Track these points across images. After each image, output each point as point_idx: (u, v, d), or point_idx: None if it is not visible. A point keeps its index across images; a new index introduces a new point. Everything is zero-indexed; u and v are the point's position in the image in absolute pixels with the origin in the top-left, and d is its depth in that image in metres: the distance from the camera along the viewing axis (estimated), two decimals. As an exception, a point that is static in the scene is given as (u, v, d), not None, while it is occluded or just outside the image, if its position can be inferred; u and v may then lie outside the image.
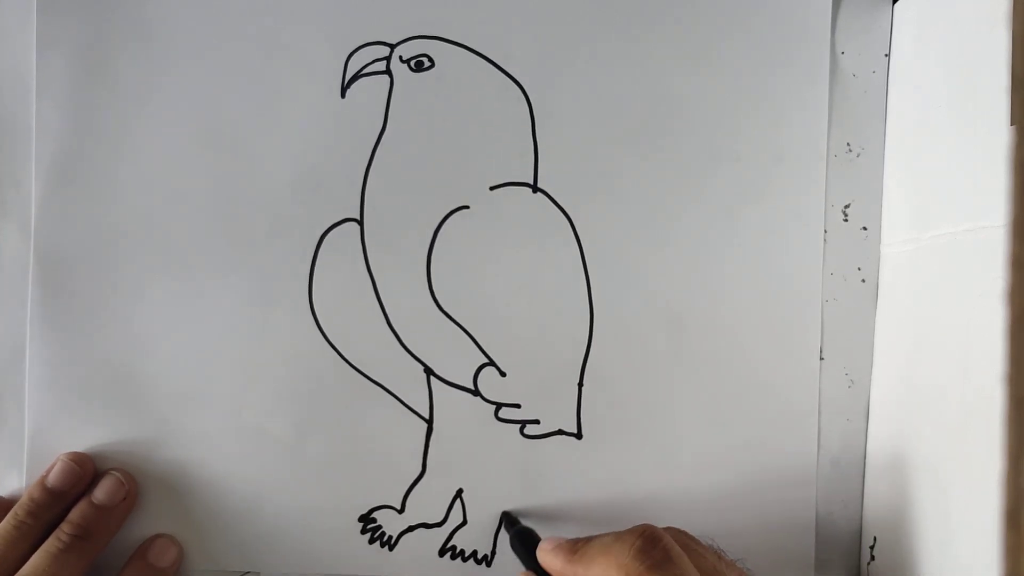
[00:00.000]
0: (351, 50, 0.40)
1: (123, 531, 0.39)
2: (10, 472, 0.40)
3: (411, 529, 0.40)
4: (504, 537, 0.39)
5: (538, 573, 0.35)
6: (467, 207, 0.40)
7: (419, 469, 0.40)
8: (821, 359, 0.39)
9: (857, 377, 0.39)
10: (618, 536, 0.31)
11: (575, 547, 0.33)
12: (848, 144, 0.39)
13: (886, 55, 0.39)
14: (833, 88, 0.39)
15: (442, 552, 0.40)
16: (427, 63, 0.40)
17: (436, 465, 0.40)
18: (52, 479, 0.38)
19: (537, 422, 0.39)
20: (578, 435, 0.39)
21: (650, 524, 0.32)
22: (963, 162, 0.32)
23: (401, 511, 0.40)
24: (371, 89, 0.40)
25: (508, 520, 0.39)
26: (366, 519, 0.40)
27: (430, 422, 0.40)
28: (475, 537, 0.40)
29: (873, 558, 0.38)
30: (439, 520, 0.40)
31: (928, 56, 0.36)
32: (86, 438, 0.40)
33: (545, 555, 0.34)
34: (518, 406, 0.39)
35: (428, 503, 0.40)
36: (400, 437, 0.40)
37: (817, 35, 0.39)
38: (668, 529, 0.33)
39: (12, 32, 0.40)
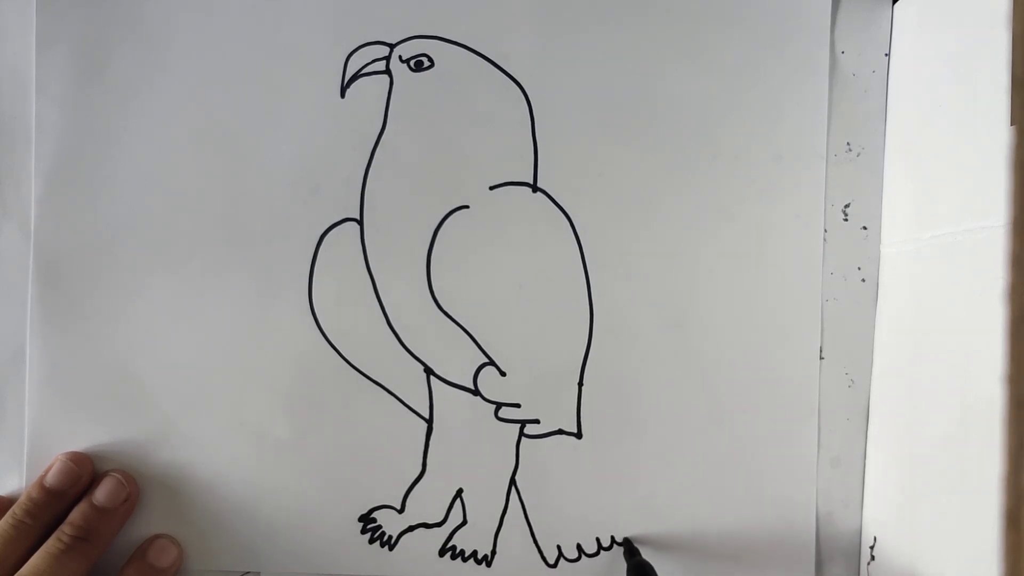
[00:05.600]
0: (351, 50, 0.40)
1: (123, 531, 0.39)
2: (10, 472, 0.40)
3: (411, 529, 0.40)
4: (506, 537, 0.39)
5: None
6: (467, 207, 0.39)
7: (419, 469, 0.40)
8: (821, 359, 0.39)
9: (857, 377, 0.39)
10: None
11: None
12: (848, 144, 0.39)
13: (886, 55, 0.39)
14: (833, 88, 0.39)
15: (442, 552, 0.40)
16: (427, 63, 0.40)
17: (436, 465, 0.40)
18: (50, 479, 0.38)
19: (537, 422, 0.39)
20: (578, 435, 0.39)
21: None
22: (963, 162, 0.32)
23: (401, 511, 0.40)
24: (371, 89, 0.40)
25: (629, 549, 0.38)
26: (366, 519, 0.40)
27: (430, 422, 0.40)
28: (475, 537, 0.40)
29: (873, 558, 0.38)
30: (439, 520, 0.40)
31: (928, 56, 0.36)
32: (86, 438, 0.40)
33: None
34: (518, 406, 0.39)
35: (428, 503, 0.40)
36: (400, 437, 0.40)
37: (817, 34, 0.39)
38: None
39: (12, 31, 0.40)
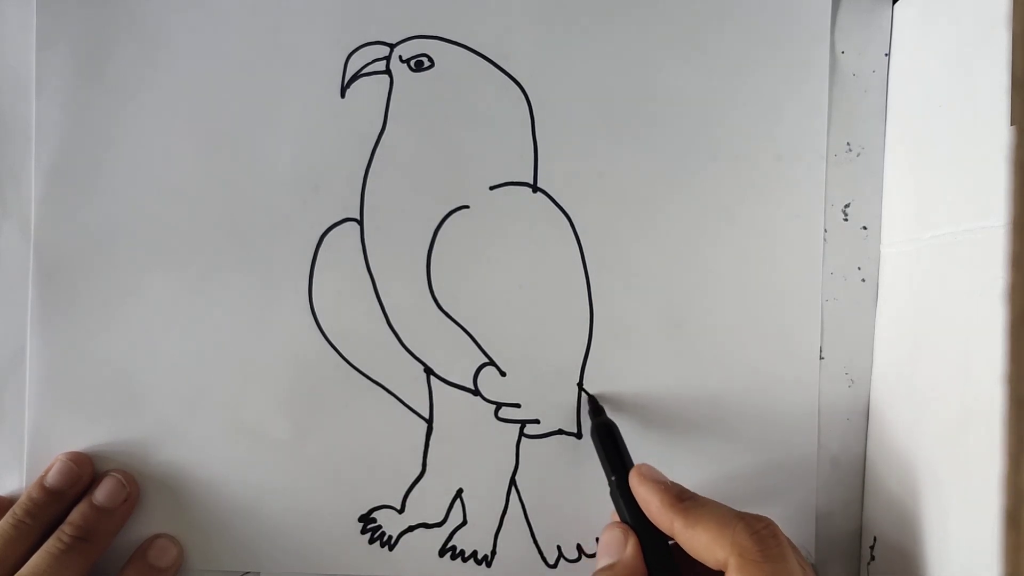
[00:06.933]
0: (351, 50, 0.40)
1: (123, 531, 0.39)
2: (10, 472, 0.40)
3: (411, 529, 0.40)
4: (506, 537, 0.39)
5: (619, 486, 0.34)
6: (467, 207, 0.39)
7: (419, 469, 0.40)
8: (821, 359, 0.39)
9: (857, 377, 0.39)
10: (739, 515, 0.31)
11: (682, 495, 0.32)
12: (848, 144, 0.39)
13: (886, 55, 0.39)
14: (833, 87, 0.39)
15: (442, 552, 0.40)
16: (427, 63, 0.40)
17: (436, 465, 0.40)
18: (50, 479, 0.38)
19: (537, 422, 0.39)
20: (578, 435, 0.39)
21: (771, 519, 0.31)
22: (963, 162, 0.32)
23: (401, 511, 0.40)
24: (371, 89, 0.40)
25: (594, 406, 0.38)
26: (366, 519, 0.40)
27: (430, 422, 0.40)
28: (475, 537, 0.40)
29: (873, 558, 0.38)
30: (439, 520, 0.40)
31: (928, 56, 0.36)
32: (86, 438, 0.40)
33: (642, 486, 0.33)
34: (518, 406, 0.39)
35: (428, 503, 0.40)
36: (400, 437, 0.40)
37: (817, 34, 0.39)
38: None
39: (12, 32, 0.40)
